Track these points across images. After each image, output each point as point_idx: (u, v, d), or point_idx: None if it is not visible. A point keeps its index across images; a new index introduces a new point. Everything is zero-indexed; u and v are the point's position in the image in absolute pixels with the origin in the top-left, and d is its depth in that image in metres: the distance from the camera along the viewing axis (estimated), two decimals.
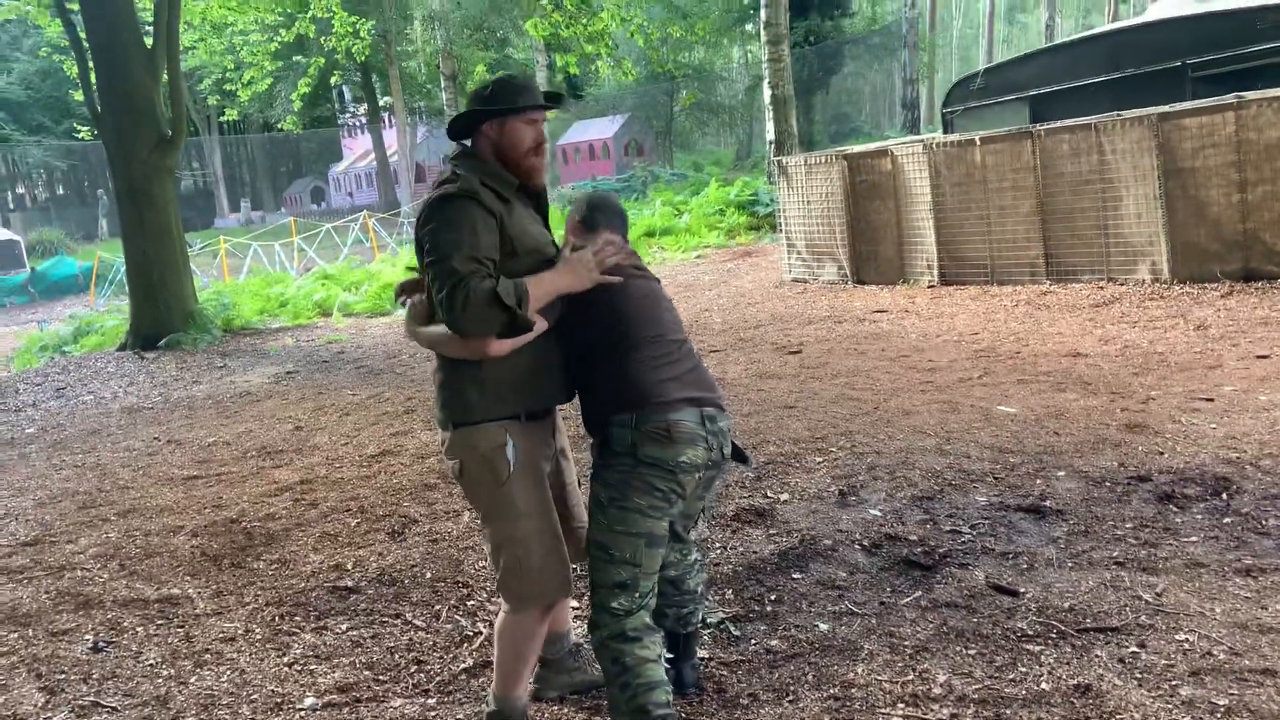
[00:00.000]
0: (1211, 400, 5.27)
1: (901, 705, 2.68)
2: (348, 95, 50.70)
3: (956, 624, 3.10)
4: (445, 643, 3.36)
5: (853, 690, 2.78)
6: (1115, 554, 3.51)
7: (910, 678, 2.81)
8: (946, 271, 9.86)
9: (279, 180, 57.54)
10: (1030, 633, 3.01)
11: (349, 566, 4.12)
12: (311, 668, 3.26)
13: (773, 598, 3.43)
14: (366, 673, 3.19)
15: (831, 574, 3.57)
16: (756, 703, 2.78)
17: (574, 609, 3.29)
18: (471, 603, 3.65)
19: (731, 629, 3.23)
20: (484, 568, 3.87)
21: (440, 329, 2.43)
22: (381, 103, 42.77)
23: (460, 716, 2.88)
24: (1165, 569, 3.36)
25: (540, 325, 2.43)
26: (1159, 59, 10.11)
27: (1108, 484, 4.19)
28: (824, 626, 3.18)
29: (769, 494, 4.45)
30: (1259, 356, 6.03)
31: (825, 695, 2.77)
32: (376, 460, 5.75)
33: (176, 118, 11.64)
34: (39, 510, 5.40)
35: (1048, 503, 4.04)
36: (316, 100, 43.60)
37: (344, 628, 3.55)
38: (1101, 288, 8.56)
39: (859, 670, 2.88)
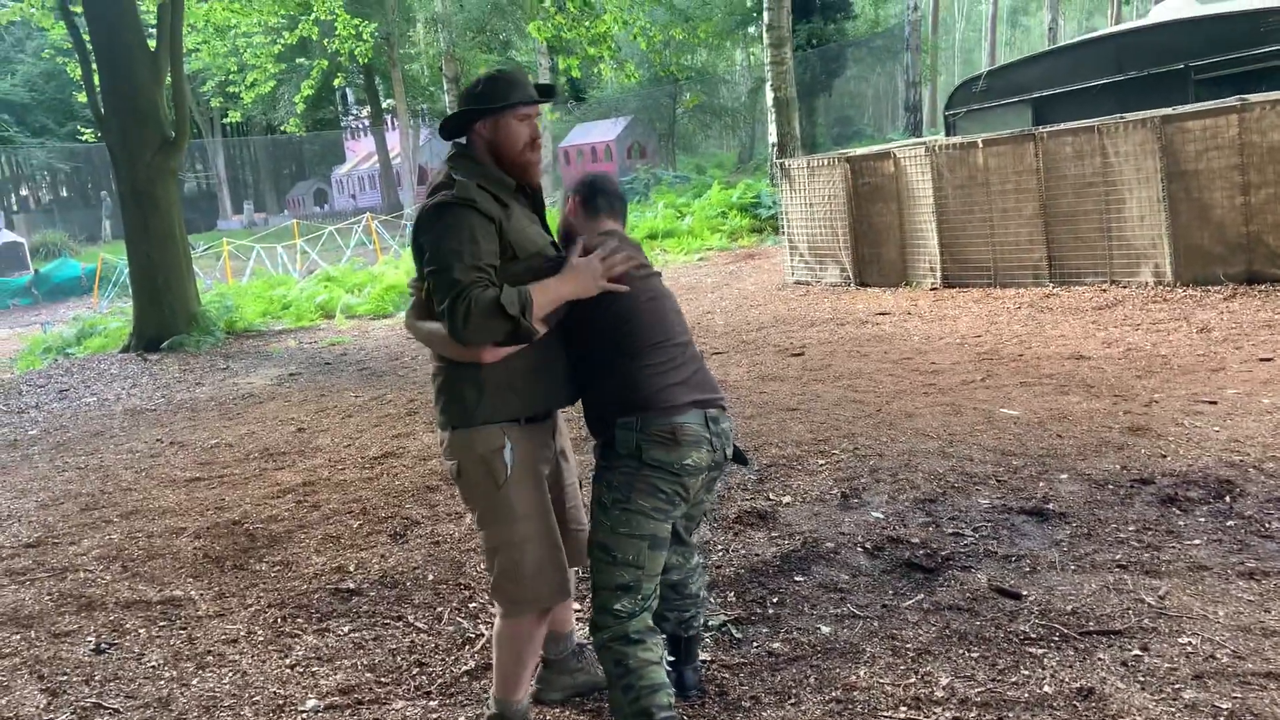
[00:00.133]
0: (1214, 403, 5.26)
1: (903, 708, 2.68)
2: (351, 98, 50.79)
3: (959, 627, 3.09)
4: (447, 645, 3.36)
5: (854, 693, 2.77)
6: (1118, 557, 3.51)
7: (912, 680, 2.81)
8: (949, 274, 9.86)
9: (282, 182, 57.62)
10: (1033, 635, 3.00)
11: (351, 568, 4.12)
12: (313, 670, 3.26)
13: (774, 600, 3.42)
14: (368, 675, 3.19)
15: (833, 577, 3.57)
16: (758, 705, 2.77)
17: (576, 610, 3.29)
18: (473, 605, 3.65)
19: (733, 631, 3.23)
20: (485, 570, 3.87)
21: (438, 327, 2.42)
22: (384, 105, 42.82)
23: (461, 719, 2.88)
24: (1168, 572, 3.36)
25: (541, 330, 2.42)
26: (1162, 61, 10.11)
27: (1110, 487, 4.19)
28: (826, 629, 3.18)
29: (771, 496, 4.45)
30: (1262, 359, 6.02)
31: (827, 698, 2.77)
32: (379, 462, 5.75)
33: (180, 120, 11.65)
34: (42, 512, 5.41)
35: (1050, 505, 4.04)
36: (319, 103, 43.67)
37: (346, 630, 3.55)
38: (1104, 290, 8.55)
39: (861, 673, 2.87)
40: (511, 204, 2.52)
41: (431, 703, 2.98)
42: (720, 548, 3.93)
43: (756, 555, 3.82)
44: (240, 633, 3.59)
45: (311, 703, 3.04)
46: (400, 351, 9.96)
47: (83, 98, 13.48)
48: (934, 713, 2.64)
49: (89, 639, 3.63)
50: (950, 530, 3.89)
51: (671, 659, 2.79)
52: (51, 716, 3.09)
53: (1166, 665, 2.77)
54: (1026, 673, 2.80)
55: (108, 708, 3.12)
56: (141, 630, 3.68)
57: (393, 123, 42.18)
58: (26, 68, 44.00)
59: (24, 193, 55.27)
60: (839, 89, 37.55)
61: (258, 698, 3.10)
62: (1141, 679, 2.71)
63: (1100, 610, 3.11)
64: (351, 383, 8.56)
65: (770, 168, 17.51)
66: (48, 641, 3.64)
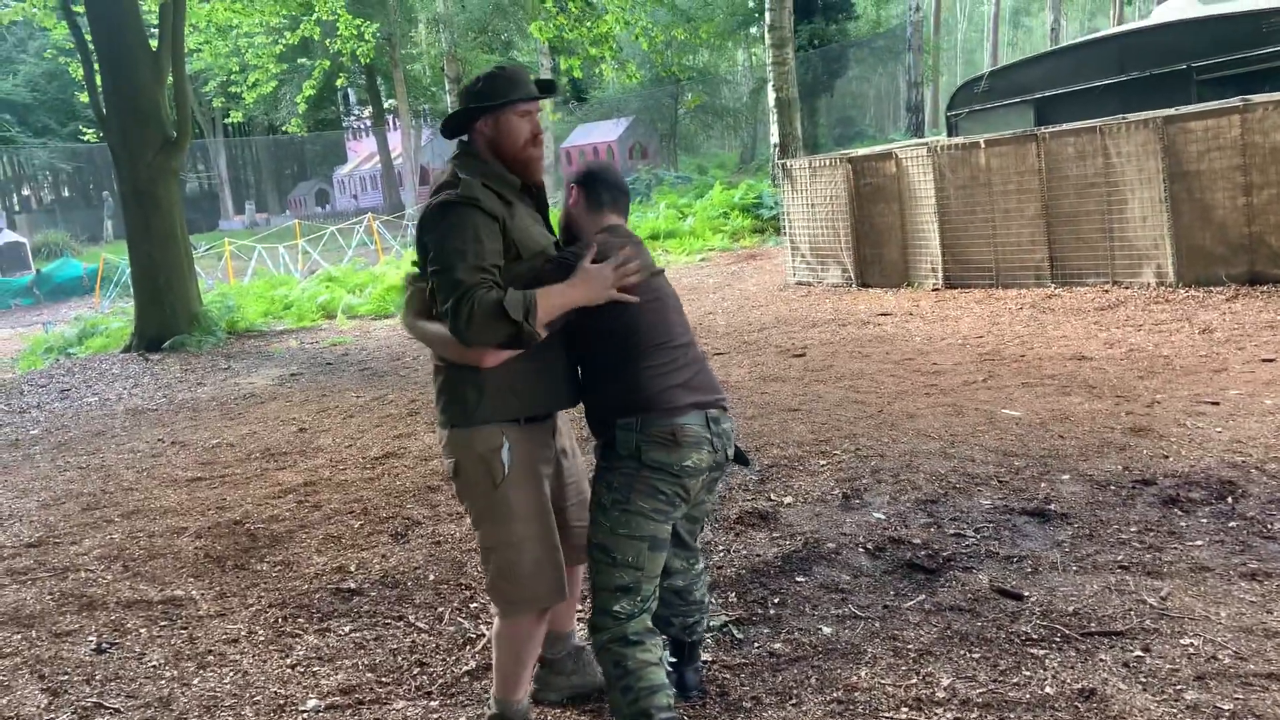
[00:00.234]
0: (1217, 404, 5.25)
1: (905, 709, 2.67)
2: (352, 98, 50.82)
3: (960, 627, 3.09)
4: (448, 645, 3.35)
5: (856, 694, 2.77)
6: (1120, 558, 3.50)
7: (914, 681, 2.81)
8: (951, 275, 9.85)
9: (284, 183, 57.64)
10: (1034, 636, 3.00)
11: (352, 568, 4.12)
12: (314, 669, 3.26)
13: (776, 601, 3.42)
14: (369, 675, 3.19)
15: (835, 577, 3.57)
16: (759, 706, 2.77)
17: (579, 610, 3.28)
18: (474, 605, 3.64)
19: (734, 632, 3.22)
20: (480, 569, 3.87)
21: (439, 328, 2.41)
22: (386, 105, 42.82)
23: (462, 719, 2.88)
24: (1170, 573, 3.35)
25: (540, 335, 2.40)
26: (1164, 62, 10.10)
27: (1112, 488, 4.18)
28: (827, 630, 3.17)
29: (772, 497, 4.44)
30: (1264, 360, 6.01)
31: (828, 699, 2.76)
32: (380, 462, 5.75)
33: (181, 120, 11.66)
34: (43, 511, 5.41)
35: (1052, 506, 4.03)
36: (321, 103, 43.72)
37: (347, 630, 3.55)
38: (1106, 291, 8.54)
39: (862, 674, 2.87)
40: (516, 203, 2.51)
41: (432, 703, 2.98)
42: (721, 548, 3.93)
43: (758, 556, 3.82)
44: (241, 632, 3.59)
45: (312, 702, 3.04)
46: (402, 352, 9.97)
47: (85, 98, 13.50)
48: (935, 713, 2.64)
49: (90, 639, 3.63)
50: (952, 531, 3.88)
51: (673, 660, 2.79)
52: (52, 716, 3.09)
53: (1168, 666, 2.76)
54: (1028, 673, 2.79)
55: (108, 707, 3.12)
56: (142, 630, 3.68)
57: (394, 123, 42.22)
58: (28, 68, 44.06)
59: (26, 193, 55.36)
60: (841, 89, 37.55)
61: (259, 697, 3.10)
62: (1143, 680, 2.71)
63: (1102, 611, 3.11)
64: (353, 383, 8.56)
65: (772, 168, 17.50)
66: (49, 641, 3.64)
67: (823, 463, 4.85)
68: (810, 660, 2.99)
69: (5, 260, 27.46)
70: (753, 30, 36.75)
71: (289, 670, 3.27)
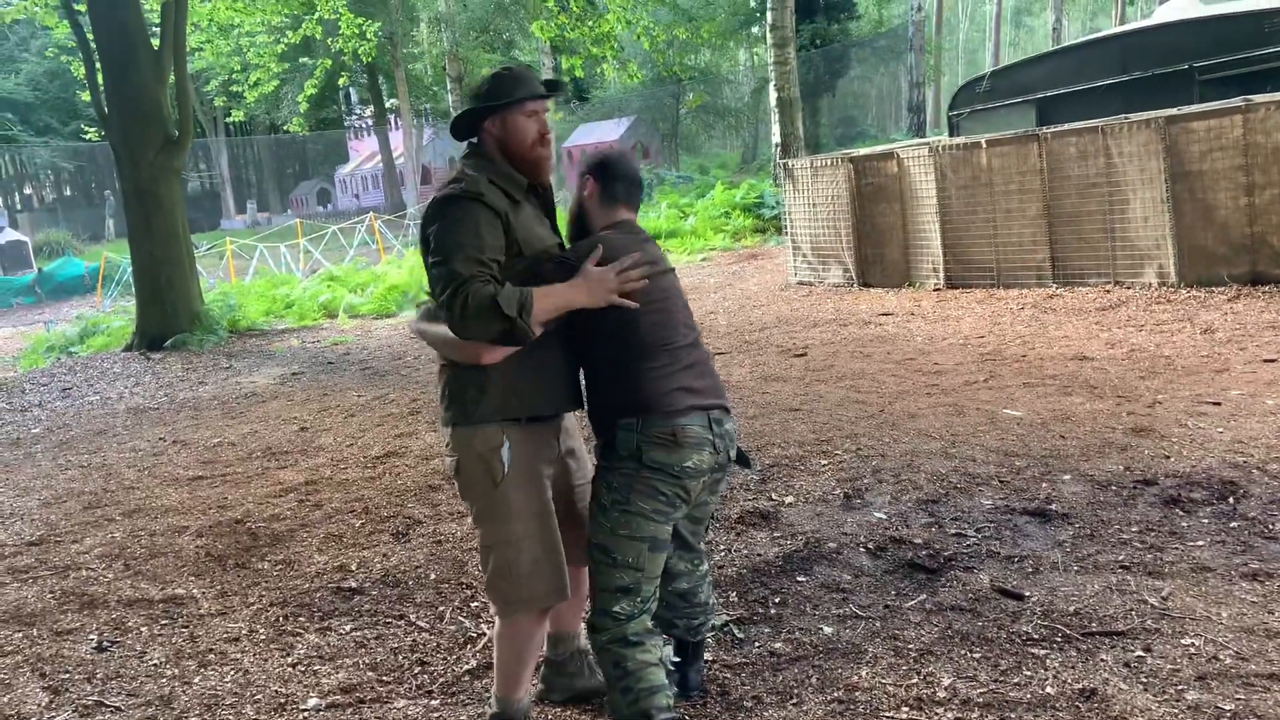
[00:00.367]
0: (1218, 404, 5.25)
1: (905, 709, 2.67)
2: (354, 97, 50.82)
3: (961, 627, 3.09)
4: (449, 644, 3.35)
5: (856, 693, 2.77)
6: (1121, 558, 3.50)
7: (914, 681, 2.81)
8: (952, 274, 9.84)
9: (285, 182, 57.65)
10: (1035, 636, 3.00)
11: (353, 567, 4.12)
12: (315, 668, 3.26)
13: (777, 600, 3.42)
14: (370, 673, 3.19)
15: (836, 577, 3.57)
16: (760, 705, 2.77)
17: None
18: (475, 604, 3.64)
19: (735, 631, 3.22)
20: (480, 568, 3.87)
21: (442, 329, 2.42)
22: (388, 105, 42.83)
23: (463, 718, 2.88)
24: (1171, 573, 3.35)
25: (537, 332, 2.40)
26: (1166, 62, 10.09)
27: (1113, 488, 4.18)
28: (828, 629, 3.17)
29: (773, 497, 4.44)
30: (1266, 360, 6.01)
31: (829, 698, 2.76)
32: (381, 461, 5.75)
33: (183, 119, 11.66)
34: (44, 510, 5.41)
35: (1053, 506, 4.03)
36: (323, 102, 43.73)
37: (348, 628, 3.55)
38: (1108, 291, 8.54)
39: (863, 673, 2.87)
40: (521, 201, 2.52)
41: (433, 701, 2.98)
42: (723, 548, 3.93)
43: (759, 555, 3.81)
44: (242, 631, 3.59)
45: (313, 701, 3.04)
46: (403, 351, 9.97)
47: (86, 97, 13.53)
48: (936, 713, 2.64)
49: (91, 637, 3.63)
50: (953, 531, 3.88)
51: (676, 660, 2.79)
52: (53, 714, 3.09)
53: (1169, 666, 2.76)
54: (1029, 673, 2.79)
55: (109, 705, 3.12)
56: (143, 628, 3.68)
57: (396, 122, 42.22)
58: (30, 66, 44.09)
59: (28, 191, 55.40)
60: (843, 89, 37.53)
61: (259, 696, 3.10)
62: (1144, 680, 2.70)
63: (1103, 611, 3.11)
64: (354, 382, 8.56)
65: (773, 168, 17.50)
66: (50, 639, 3.64)
67: (824, 462, 4.85)
68: (811, 660, 2.99)
69: (7, 259, 27.47)
70: (754, 30, 36.76)
71: (290, 669, 3.27)
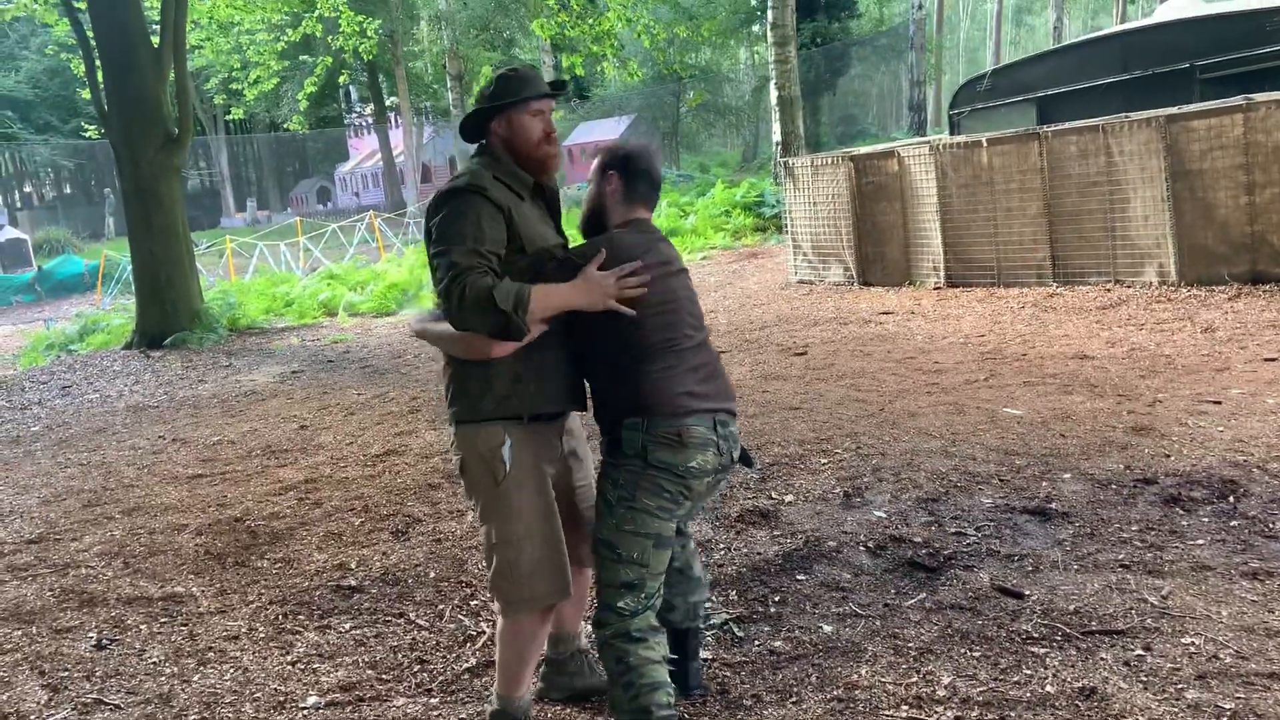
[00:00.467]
0: (1219, 403, 5.24)
1: (905, 707, 2.67)
2: (354, 95, 50.78)
3: (961, 626, 3.09)
4: (448, 642, 3.35)
5: (856, 692, 2.77)
6: (1121, 557, 3.50)
7: (914, 680, 2.80)
8: (953, 273, 9.84)
9: (285, 180, 57.64)
10: (1035, 635, 2.99)
11: (353, 566, 4.11)
12: (314, 666, 3.26)
13: (776, 599, 3.42)
14: (369, 672, 3.19)
15: (836, 576, 3.56)
16: (759, 704, 2.77)
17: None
18: (475, 602, 3.64)
19: (735, 630, 3.22)
20: (484, 566, 3.87)
21: (445, 326, 2.43)
22: (388, 103, 42.82)
23: (463, 716, 2.88)
24: (1171, 572, 3.35)
25: (536, 329, 2.40)
26: (1167, 61, 10.09)
27: (1114, 486, 4.18)
28: (828, 628, 3.17)
29: (773, 495, 4.44)
30: (1267, 359, 6.00)
31: (828, 697, 2.76)
32: (381, 460, 5.75)
33: (183, 117, 11.65)
34: (44, 508, 5.41)
35: (1053, 505, 4.03)
36: (323, 100, 43.69)
37: (347, 627, 3.55)
38: (1108, 290, 8.54)
39: (862, 672, 2.87)
40: (526, 199, 2.54)
41: (433, 700, 2.98)
42: (722, 546, 3.92)
43: (759, 554, 3.81)
44: (241, 629, 3.59)
45: (312, 699, 3.04)
46: (403, 350, 9.97)
47: (87, 94, 13.53)
48: (936, 712, 2.64)
49: (90, 635, 3.63)
50: (953, 529, 3.88)
51: (674, 656, 2.78)
52: (52, 712, 3.09)
53: (1169, 665, 2.76)
54: (1029, 672, 2.79)
55: (108, 703, 3.12)
56: (143, 626, 3.68)
57: (396, 120, 42.20)
58: (30, 64, 44.05)
59: (28, 189, 55.39)
60: (843, 88, 37.52)
61: (259, 694, 3.10)
62: (1144, 679, 2.70)
63: (1103, 610, 3.11)
64: (354, 380, 8.56)
65: (774, 166, 17.50)
66: (49, 637, 3.64)
67: (824, 461, 4.85)
68: (811, 658, 2.99)
69: (7, 257, 27.43)
70: (755, 28, 36.73)
71: (289, 667, 3.27)
